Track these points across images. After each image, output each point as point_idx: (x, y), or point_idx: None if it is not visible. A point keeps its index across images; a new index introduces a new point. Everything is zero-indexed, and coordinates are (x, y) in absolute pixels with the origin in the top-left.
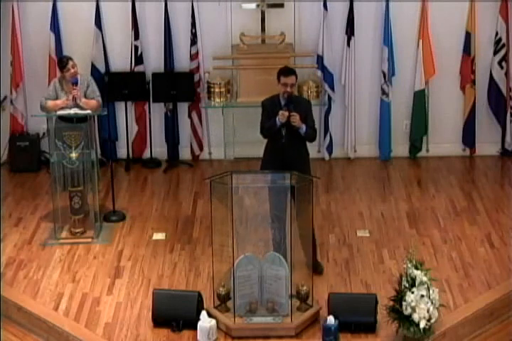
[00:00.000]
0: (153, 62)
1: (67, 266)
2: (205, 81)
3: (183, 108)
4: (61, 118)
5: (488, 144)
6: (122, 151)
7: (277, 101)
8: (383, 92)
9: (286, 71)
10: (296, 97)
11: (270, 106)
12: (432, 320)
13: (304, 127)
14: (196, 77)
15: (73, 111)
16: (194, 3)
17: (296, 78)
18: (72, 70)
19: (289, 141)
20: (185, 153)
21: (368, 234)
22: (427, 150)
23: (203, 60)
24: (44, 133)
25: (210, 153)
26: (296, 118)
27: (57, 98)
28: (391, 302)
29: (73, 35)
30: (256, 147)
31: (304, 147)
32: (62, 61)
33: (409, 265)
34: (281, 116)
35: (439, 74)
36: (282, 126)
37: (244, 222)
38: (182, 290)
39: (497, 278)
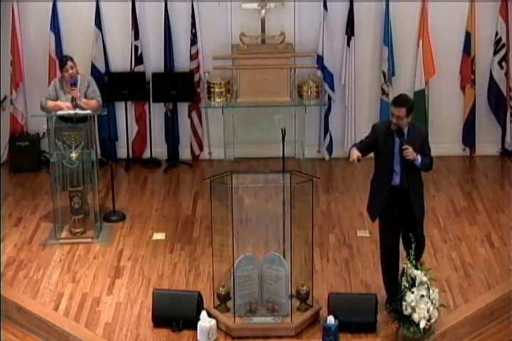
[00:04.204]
0: (153, 62)
1: (67, 266)
2: (205, 81)
3: (183, 108)
4: (61, 118)
5: (488, 144)
6: (122, 151)
7: (390, 129)
8: (383, 92)
9: (396, 100)
10: (413, 125)
11: (382, 131)
12: (432, 320)
13: (419, 158)
14: (196, 77)
15: (73, 111)
16: (194, 3)
17: (408, 111)
18: (71, 71)
19: (406, 172)
20: (185, 153)
21: (368, 234)
22: None
23: (203, 60)
24: (44, 133)
25: (210, 153)
26: (409, 152)
27: (57, 98)
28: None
29: (73, 35)
30: (256, 147)
31: (419, 177)
32: (61, 61)
33: (409, 265)
34: (351, 158)
35: (439, 74)
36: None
37: (244, 222)
38: (182, 290)
39: (497, 278)
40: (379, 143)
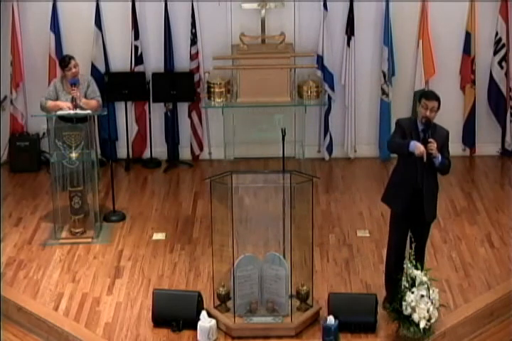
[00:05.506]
0: (153, 62)
1: (67, 266)
2: (205, 81)
3: (183, 108)
4: (61, 118)
5: (488, 144)
6: (122, 151)
7: (414, 124)
8: (383, 92)
9: (429, 94)
10: (435, 126)
11: (407, 126)
12: (432, 320)
13: (439, 157)
14: (196, 77)
15: (73, 111)
16: (194, 3)
17: (439, 105)
18: (74, 70)
19: (423, 170)
20: (185, 153)
21: (368, 234)
22: None
23: (203, 60)
24: (44, 133)
25: (210, 153)
26: (433, 146)
27: (57, 98)
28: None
29: (73, 35)
30: (256, 147)
31: (435, 178)
32: (64, 60)
33: (409, 265)
34: (418, 150)
35: (439, 74)
36: (412, 155)
37: (244, 222)
38: (182, 290)
39: (497, 278)
40: (406, 134)
